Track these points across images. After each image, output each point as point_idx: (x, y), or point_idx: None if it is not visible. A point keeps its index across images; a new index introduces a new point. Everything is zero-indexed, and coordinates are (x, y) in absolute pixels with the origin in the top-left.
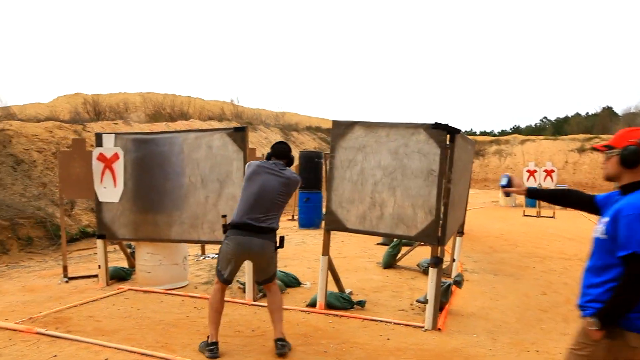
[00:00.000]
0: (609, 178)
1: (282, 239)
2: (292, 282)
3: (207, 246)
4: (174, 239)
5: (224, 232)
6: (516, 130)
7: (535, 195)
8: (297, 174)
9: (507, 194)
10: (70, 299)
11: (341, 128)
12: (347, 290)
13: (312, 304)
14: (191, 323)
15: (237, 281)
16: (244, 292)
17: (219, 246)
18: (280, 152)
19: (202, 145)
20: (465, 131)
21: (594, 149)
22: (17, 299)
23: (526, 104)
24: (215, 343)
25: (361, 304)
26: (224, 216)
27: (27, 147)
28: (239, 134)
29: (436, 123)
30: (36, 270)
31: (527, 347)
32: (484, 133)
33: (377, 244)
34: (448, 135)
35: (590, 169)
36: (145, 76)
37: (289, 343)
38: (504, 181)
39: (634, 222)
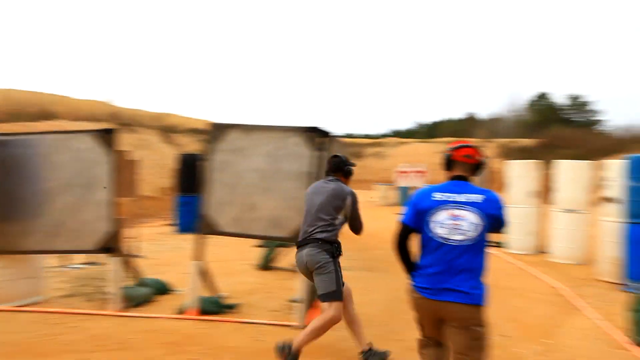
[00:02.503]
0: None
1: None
2: (162, 289)
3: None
4: (30, 249)
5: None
6: (394, 133)
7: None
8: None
9: None
10: None
11: (218, 130)
12: (221, 294)
13: (183, 311)
14: (39, 342)
15: (103, 292)
16: (115, 303)
17: (86, 255)
18: (334, 165)
19: (66, 148)
20: (348, 134)
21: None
22: None
23: (404, 108)
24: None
25: (233, 307)
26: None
27: None
28: (107, 136)
29: (310, 126)
30: None
31: (391, 337)
32: (366, 136)
33: (255, 246)
34: (321, 139)
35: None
36: (6, 72)
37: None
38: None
39: None
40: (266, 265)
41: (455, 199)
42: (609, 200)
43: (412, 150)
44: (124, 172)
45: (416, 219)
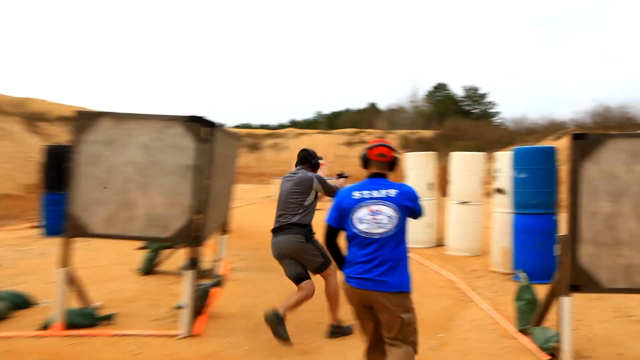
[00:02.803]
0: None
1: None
2: (21, 302)
3: None
4: None
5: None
6: (293, 123)
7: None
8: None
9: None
10: None
11: (86, 119)
12: (95, 304)
13: (47, 326)
14: None
15: None
16: None
17: None
18: (301, 158)
19: None
20: (243, 124)
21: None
22: None
23: (304, 97)
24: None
25: (109, 318)
26: None
27: None
28: None
29: (193, 116)
30: None
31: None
32: (263, 126)
33: (138, 248)
34: (206, 129)
35: (357, 162)
36: None
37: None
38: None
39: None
40: (149, 269)
41: (373, 195)
42: (499, 191)
43: (312, 141)
44: None
45: (339, 218)
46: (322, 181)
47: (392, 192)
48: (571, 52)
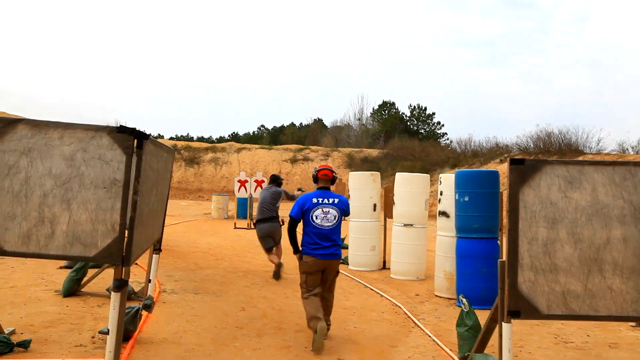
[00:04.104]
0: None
1: (282, 220)
2: None
3: None
4: None
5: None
6: (234, 137)
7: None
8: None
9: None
10: None
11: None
12: (8, 330)
13: None
14: None
15: None
16: None
17: None
18: (272, 180)
19: None
20: (181, 136)
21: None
22: None
23: (246, 111)
24: None
25: (24, 344)
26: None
27: None
28: None
29: (121, 126)
30: None
31: None
32: (201, 139)
33: (61, 267)
34: (135, 141)
35: (301, 179)
36: None
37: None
38: None
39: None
40: (72, 290)
41: (324, 201)
42: (442, 214)
43: (254, 156)
44: None
45: (301, 213)
46: (286, 193)
47: (336, 200)
48: (512, 75)
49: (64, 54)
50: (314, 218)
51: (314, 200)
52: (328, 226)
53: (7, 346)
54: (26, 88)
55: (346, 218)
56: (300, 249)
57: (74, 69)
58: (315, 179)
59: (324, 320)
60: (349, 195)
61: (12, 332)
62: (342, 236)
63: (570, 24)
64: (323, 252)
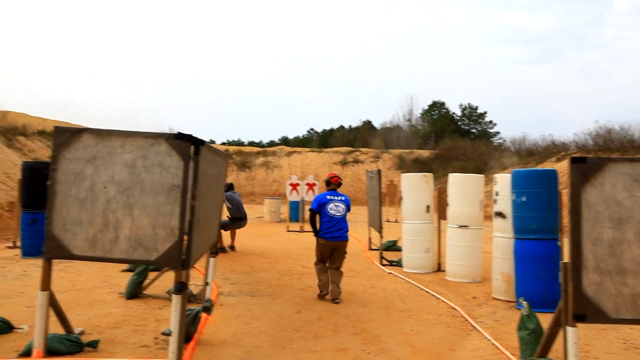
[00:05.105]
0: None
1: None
2: (0, 327)
3: None
4: None
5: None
6: (284, 141)
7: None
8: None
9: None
10: None
11: (65, 136)
12: (78, 330)
13: (27, 353)
14: None
15: None
16: None
17: None
18: (229, 186)
19: None
20: (233, 141)
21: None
22: None
23: (295, 115)
24: None
25: (93, 344)
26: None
27: None
28: None
29: (179, 133)
30: None
31: None
32: (252, 144)
33: (123, 270)
34: (193, 147)
35: (352, 182)
36: None
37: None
38: None
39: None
40: (134, 293)
41: (335, 198)
42: (498, 215)
43: (305, 160)
44: None
45: (318, 207)
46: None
47: (343, 198)
48: (567, 71)
49: (123, 63)
50: (329, 210)
51: (328, 197)
52: (339, 216)
53: (77, 346)
54: (84, 95)
55: (399, 220)
56: (318, 233)
57: (131, 78)
58: (328, 183)
59: (329, 282)
60: (400, 197)
61: (82, 332)
62: (394, 238)
63: (630, 14)
64: (334, 235)
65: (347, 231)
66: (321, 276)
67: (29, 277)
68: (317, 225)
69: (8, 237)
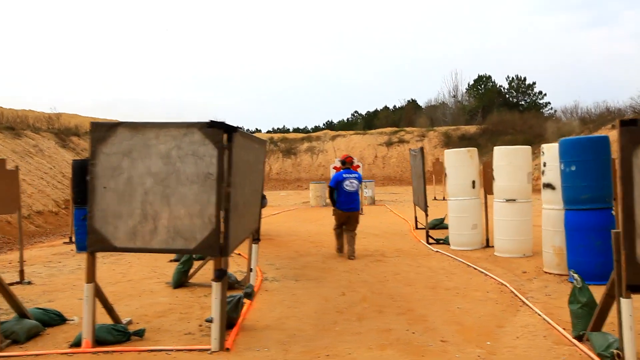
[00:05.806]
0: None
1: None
2: (53, 319)
3: None
4: None
5: None
6: (329, 125)
7: None
8: None
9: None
10: None
11: (102, 131)
12: (125, 320)
13: (77, 343)
14: None
15: None
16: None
17: None
18: None
19: None
20: (278, 129)
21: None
22: None
23: (339, 99)
24: None
25: (139, 333)
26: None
27: None
28: None
29: (211, 121)
30: None
31: (318, 354)
32: (297, 130)
33: (171, 260)
34: (226, 135)
35: (397, 162)
36: None
37: None
38: None
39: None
40: (180, 282)
41: (349, 176)
42: (547, 186)
43: (349, 143)
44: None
45: (336, 184)
46: None
47: (355, 175)
48: (621, 35)
49: (167, 59)
50: (345, 186)
51: (344, 175)
52: (352, 190)
53: (124, 335)
54: (132, 94)
55: (446, 198)
56: (336, 205)
57: (175, 74)
58: (343, 163)
59: (345, 243)
60: (445, 174)
61: (129, 322)
62: (442, 216)
63: None
64: (347, 206)
65: (358, 203)
66: (338, 238)
67: (82, 271)
68: (335, 197)
69: (65, 233)
